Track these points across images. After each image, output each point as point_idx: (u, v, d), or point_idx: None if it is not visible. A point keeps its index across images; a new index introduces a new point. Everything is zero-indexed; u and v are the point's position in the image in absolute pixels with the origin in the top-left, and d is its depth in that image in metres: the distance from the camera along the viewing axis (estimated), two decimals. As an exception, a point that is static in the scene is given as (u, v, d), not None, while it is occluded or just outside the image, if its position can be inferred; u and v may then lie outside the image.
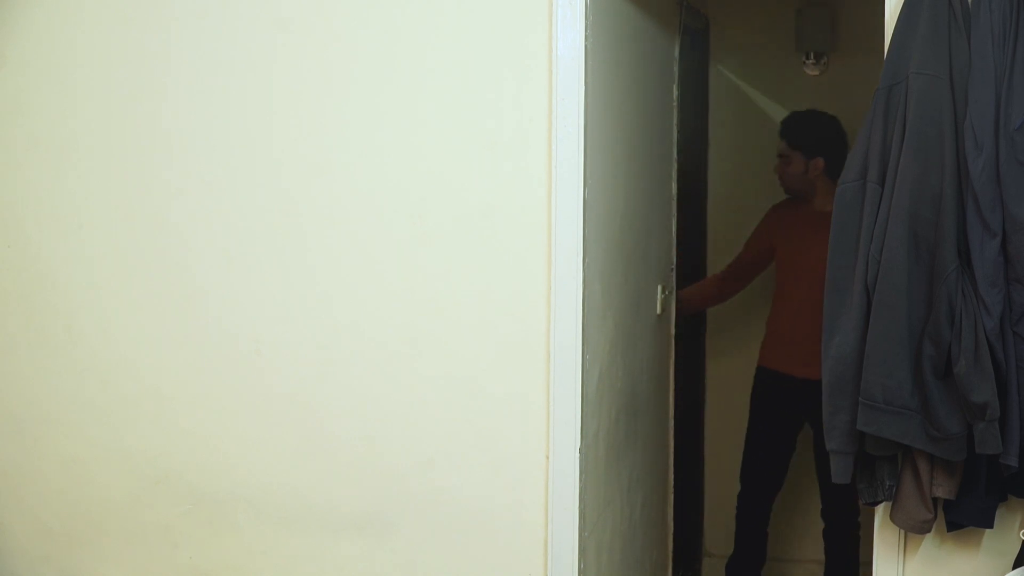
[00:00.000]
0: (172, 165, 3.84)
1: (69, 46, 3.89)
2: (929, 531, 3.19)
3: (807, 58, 5.55)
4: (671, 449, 4.75)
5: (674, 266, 4.66)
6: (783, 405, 5.07)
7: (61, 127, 3.91)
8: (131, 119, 3.85)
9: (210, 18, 3.78)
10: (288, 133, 3.75)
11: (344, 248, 3.72)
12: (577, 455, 3.56)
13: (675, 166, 4.65)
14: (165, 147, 3.84)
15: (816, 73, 5.57)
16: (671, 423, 4.75)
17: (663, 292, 4.44)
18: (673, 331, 4.70)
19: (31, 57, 3.92)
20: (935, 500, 3.14)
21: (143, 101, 3.85)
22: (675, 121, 4.64)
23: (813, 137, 4.93)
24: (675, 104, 4.64)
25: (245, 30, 3.76)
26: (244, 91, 3.77)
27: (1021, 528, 3.18)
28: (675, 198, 4.66)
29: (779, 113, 5.63)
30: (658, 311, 4.40)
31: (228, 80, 3.78)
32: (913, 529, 3.18)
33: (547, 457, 3.58)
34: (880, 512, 3.29)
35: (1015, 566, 3.13)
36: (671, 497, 4.80)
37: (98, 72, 3.87)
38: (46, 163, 3.92)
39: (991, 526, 3.16)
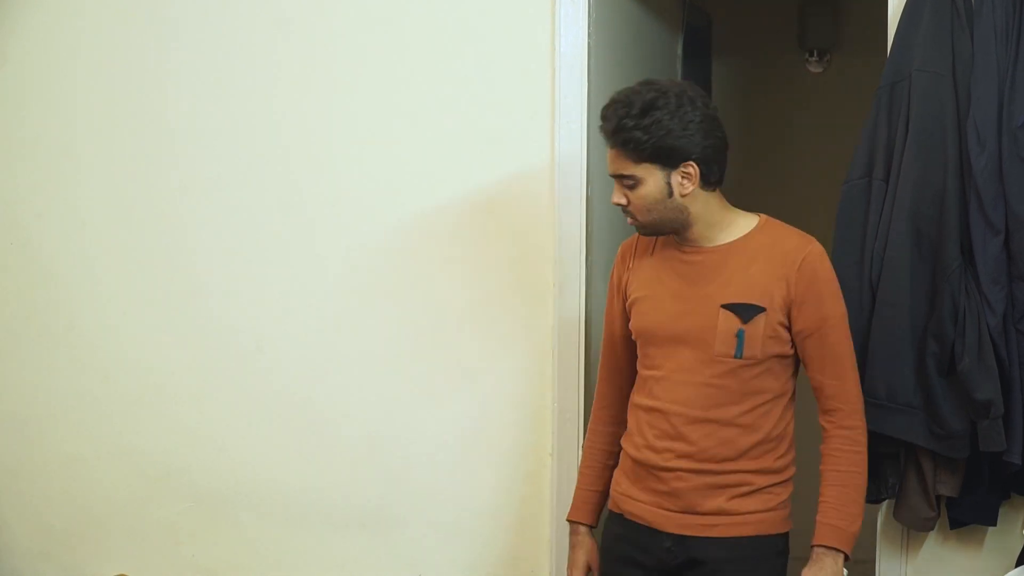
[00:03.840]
0: (174, 163, 3.84)
1: (71, 44, 3.89)
2: (932, 528, 3.19)
3: (810, 55, 5.55)
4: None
5: (677, 263, 4.62)
6: None
7: (63, 125, 3.91)
8: (133, 117, 3.86)
9: (211, 16, 3.78)
10: (290, 131, 3.75)
11: (346, 246, 3.72)
12: (581, 452, 3.56)
13: (677, 163, 4.64)
14: (167, 145, 3.85)
15: (819, 70, 5.57)
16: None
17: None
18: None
19: (33, 55, 3.92)
20: (938, 498, 3.14)
21: (145, 99, 3.85)
22: (678, 118, 4.63)
23: (664, 129, 2.74)
24: (678, 101, 4.63)
25: (246, 28, 3.76)
26: (246, 89, 3.77)
27: (1024, 526, 3.19)
28: (678, 195, 4.65)
29: (782, 111, 5.63)
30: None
31: (230, 78, 3.78)
32: (916, 526, 3.18)
33: (551, 454, 3.58)
34: (883, 510, 3.29)
35: (1018, 563, 3.13)
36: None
37: (100, 70, 3.87)
38: (48, 161, 3.92)
39: (994, 523, 3.16)
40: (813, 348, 2.80)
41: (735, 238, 2.85)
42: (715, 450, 2.80)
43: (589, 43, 3.50)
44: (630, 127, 2.73)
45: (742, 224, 2.87)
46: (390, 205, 3.68)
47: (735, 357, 2.78)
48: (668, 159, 2.74)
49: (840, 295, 2.84)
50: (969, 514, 3.16)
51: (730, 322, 2.78)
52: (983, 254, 2.97)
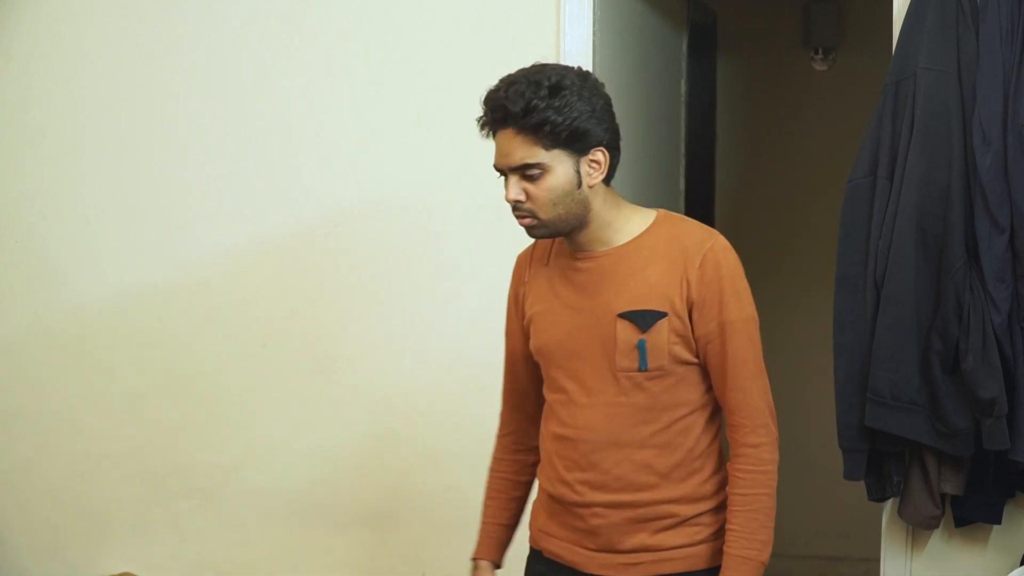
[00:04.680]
0: (180, 160, 3.85)
1: (76, 41, 3.89)
2: (937, 527, 3.19)
3: (815, 53, 5.54)
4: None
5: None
6: None
7: (68, 122, 3.91)
8: (138, 115, 3.86)
9: (217, 13, 3.78)
10: (295, 129, 3.75)
11: (351, 243, 3.72)
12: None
13: (683, 161, 4.65)
14: (173, 143, 3.85)
15: (824, 68, 5.57)
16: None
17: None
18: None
19: (38, 52, 3.91)
20: (943, 496, 3.14)
21: (150, 97, 3.85)
22: (683, 116, 4.64)
23: (577, 111, 2.42)
24: (683, 99, 4.64)
25: (251, 28, 3.76)
26: (253, 86, 3.77)
27: (1029, 524, 3.18)
28: (683, 193, 4.66)
29: (787, 109, 5.63)
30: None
31: (237, 74, 3.78)
32: (921, 525, 3.18)
33: (554, 452, 3.58)
34: (888, 508, 3.29)
35: (1023, 562, 3.13)
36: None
37: (105, 67, 3.87)
38: (53, 158, 3.93)
39: (999, 522, 3.16)
40: (713, 356, 2.45)
41: (630, 238, 2.50)
42: (631, 477, 2.48)
43: (594, 41, 3.50)
44: (543, 107, 2.38)
45: (638, 222, 2.52)
46: (393, 203, 3.68)
47: (640, 370, 2.45)
48: (581, 144, 2.41)
49: (747, 295, 2.47)
50: (974, 512, 3.16)
51: (629, 332, 2.45)
52: (988, 252, 2.97)
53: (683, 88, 4.63)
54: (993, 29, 2.99)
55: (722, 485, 2.51)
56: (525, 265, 2.67)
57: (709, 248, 2.44)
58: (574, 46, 3.48)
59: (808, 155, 5.56)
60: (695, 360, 2.47)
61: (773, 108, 5.68)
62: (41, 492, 4.03)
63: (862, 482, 3.22)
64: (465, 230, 3.63)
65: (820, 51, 5.54)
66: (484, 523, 2.79)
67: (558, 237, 2.54)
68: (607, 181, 2.48)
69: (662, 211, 2.55)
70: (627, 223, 2.51)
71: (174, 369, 3.89)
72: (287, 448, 3.81)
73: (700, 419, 2.50)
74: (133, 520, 3.95)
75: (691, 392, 2.48)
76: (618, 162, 2.48)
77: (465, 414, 3.66)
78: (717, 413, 2.53)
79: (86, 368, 3.96)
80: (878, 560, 3.35)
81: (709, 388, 2.50)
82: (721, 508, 2.50)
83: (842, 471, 3.19)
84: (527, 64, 2.58)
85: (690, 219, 2.57)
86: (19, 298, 4.00)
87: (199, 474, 3.89)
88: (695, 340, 2.45)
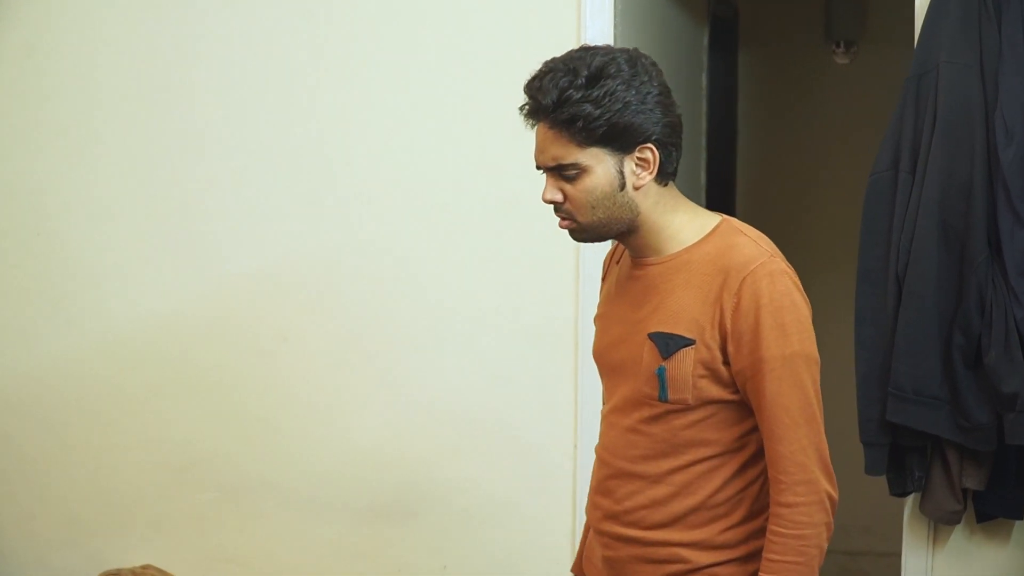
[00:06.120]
0: (200, 153, 3.85)
1: (97, 35, 3.89)
2: (959, 522, 3.18)
3: (836, 47, 5.52)
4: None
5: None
6: None
7: (89, 115, 3.92)
8: (159, 108, 3.86)
9: (238, 7, 3.78)
10: (315, 125, 3.76)
11: (371, 238, 3.73)
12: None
13: (704, 155, 4.64)
14: (193, 136, 3.85)
15: (846, 62, 5.55)
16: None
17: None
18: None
19: (58, 46, 3.92)
20: (965, 491, 3.13)
21: (171, 89, 3.85)
22: (704, 110, 4.63)
23: (621, 102, 2.15)
24: (704, 93, 4.63)
25: (272, 22, 3.76)
26: (275, 79, 3.78)
27: (1052, 520, 3.17)
28: (704, 187, 4.65)
29: (809, 102, 5.61)
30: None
31: (258, 67, 3.78)
32: (942, 520, 3.17)
33: (575, 446, 3.58)
34: (909, 503, 3.28)
35: (1045, 558, 3.12)
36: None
37: (126, 61, 3.88)
38: (74, 151, 3.94)
39: (1021, 517, 3.15)
40: (752, 397, 2.16)
41: (682, 247, 2.22)
42: (641, 513, 2.24)
43: (615, 35, 3.49)
44: (577, 99, 2.11)
45: (693, 230, 2.23)
46: (415, 198, 3.68)
47: (660, 400, 2.19)
48: (623, 140, 2.14)
49: (795, 328, 2.14)
50: (996, 508, 3.15)
51: (652, 357, 2.19)
52: (1010, 247, 2.96)
53: (704, 82, 4.62)
54: (1015, 22, 2.98)
55: (756, 533, 2.22)
56: (608, 260, 2.46)
57: (751, 272, 2.13)
58: (595, 40, 3.46)
59: (830, 148, 5.54)
60: (732, 398, 2.19)
61: (794, 102, 5.67)
62: (62, 484, 4.05)
63: (883, 477, 3.22)
64: (488, 224, 3.63)
65: (842, 44, 5.52)
66: (583, 534, 2.54)
67: (601, 242, 2.30)
68: (663, 180, 2.20)
69: (726, 219, 2.26)
70: (681, 230, 2.23)
71: (195, 362, 3.90)
72: (307, 441, 3.82)
73: (731, 462, 2.21)
74: (154, 512, 3.97)
75: (721, 433, 2.20)
76: (678, 158, 2.22)
77: (483, 408, 3.67)
78: (759, 457, 2.21)
79: (107, 360, 3.97)
80: (899, 555, 3.34)
81: (751, 431, 2.21)
82: (751, 558, 2.21)
83: (863, 465, 3.18)
84: (546, 59, 2.27)
85: (751, 232, 2.24)
86: (40, 289, 4.01)
87: (220, 467, 3.90)
88: (733, 376, 2.17)
